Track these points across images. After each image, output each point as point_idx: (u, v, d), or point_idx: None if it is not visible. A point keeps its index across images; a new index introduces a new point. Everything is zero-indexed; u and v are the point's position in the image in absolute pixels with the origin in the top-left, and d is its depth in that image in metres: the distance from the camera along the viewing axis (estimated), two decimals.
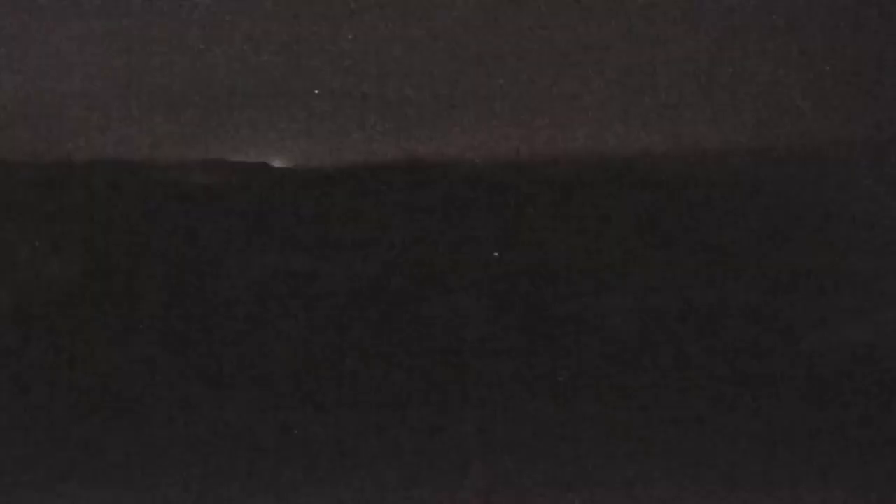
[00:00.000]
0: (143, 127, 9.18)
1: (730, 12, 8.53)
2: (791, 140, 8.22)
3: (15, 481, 7.15)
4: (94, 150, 9.02)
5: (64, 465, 7.32)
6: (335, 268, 8.82)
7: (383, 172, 9.07)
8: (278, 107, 9.21)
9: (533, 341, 8.29)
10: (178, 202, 8.96)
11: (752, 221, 8.72)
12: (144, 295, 8.57)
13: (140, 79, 9.18)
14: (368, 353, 8.41)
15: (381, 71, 9.09)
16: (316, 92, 9.31)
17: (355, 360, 8.38)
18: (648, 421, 7.68)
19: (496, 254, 8.51)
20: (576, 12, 8.89)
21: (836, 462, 7.23)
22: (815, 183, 8.17)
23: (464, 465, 7.50)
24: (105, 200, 8.88)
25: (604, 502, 7.18)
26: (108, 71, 9.06)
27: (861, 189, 8.11)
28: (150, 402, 7.86)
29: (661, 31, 8.76)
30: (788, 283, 8.33)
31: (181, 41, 8.70)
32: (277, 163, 9.29)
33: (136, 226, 8.85)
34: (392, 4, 8.92)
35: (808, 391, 7.61)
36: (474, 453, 7.55)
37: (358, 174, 9.09)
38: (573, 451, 7.60)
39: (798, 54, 8.45)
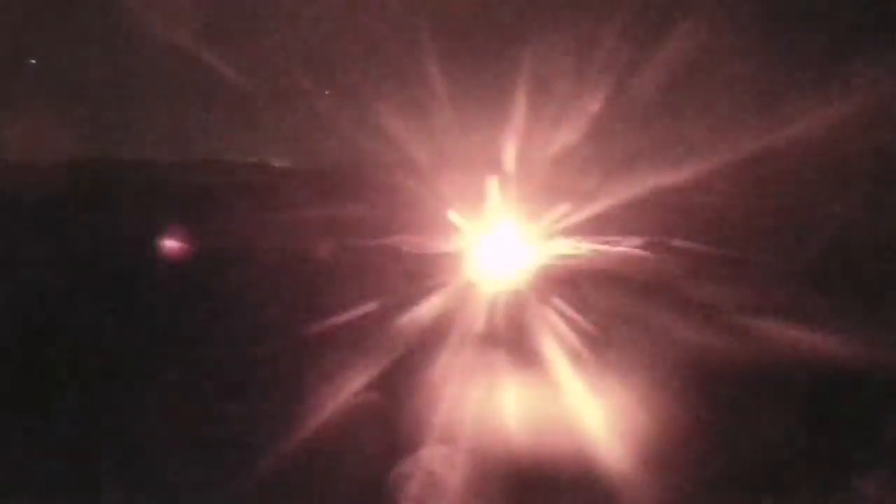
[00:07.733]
0: (144, 127, 9.17)
1: (730, 12, 8.52)
2: (791, 140, 8.21)
3: (15, 481, 7.15)
4: (93, 149, 9.00)
5: (63, 467, 7.32)
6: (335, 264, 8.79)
7: (382, 172, 9.03)
8: (278, 107, 9.20)
9: (530, 338, 8.29)
10: (178, 202, 8.93)
11: (752, 221, 8.69)
12: (144, 292, 8.57)
13: (140, 79, 9.16)
14: (366, 349, 8.38)
15: (380, 71, 9.07)
16: (322, 92, 9.27)
17: (354, 355, 8.36)
18: (647, 421, 7.68)
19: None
20: (575, 13, 8.86)
21: (836, 462, 7.22)
22: (816, 182, 8.16)
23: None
24: (105, 200, 8.86)
25: (603, 502, 7.17)
26: (108, 71, 9.05)
27: (861, 189, 8.10)
28: (150, 400, 7.86)
29: (661, 30, 8.74)
30: (789, 283, 8.30)
31: (180, 41, 8.69)
32: (277, 163, 9.27)
33: (137, 225, 8.84)
34: (393, 5, 8.90)
35: (808, 390, 7.60)
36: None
37: (357, 174, 9.05)
38: (568, 451, 7.60)
39: (797, 55, 8.44)
